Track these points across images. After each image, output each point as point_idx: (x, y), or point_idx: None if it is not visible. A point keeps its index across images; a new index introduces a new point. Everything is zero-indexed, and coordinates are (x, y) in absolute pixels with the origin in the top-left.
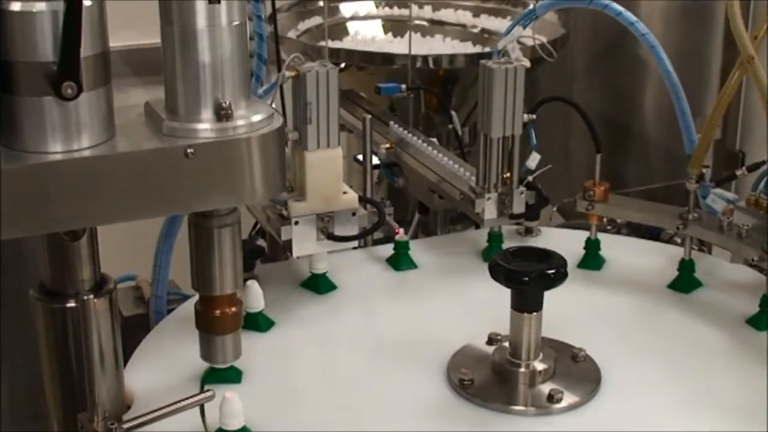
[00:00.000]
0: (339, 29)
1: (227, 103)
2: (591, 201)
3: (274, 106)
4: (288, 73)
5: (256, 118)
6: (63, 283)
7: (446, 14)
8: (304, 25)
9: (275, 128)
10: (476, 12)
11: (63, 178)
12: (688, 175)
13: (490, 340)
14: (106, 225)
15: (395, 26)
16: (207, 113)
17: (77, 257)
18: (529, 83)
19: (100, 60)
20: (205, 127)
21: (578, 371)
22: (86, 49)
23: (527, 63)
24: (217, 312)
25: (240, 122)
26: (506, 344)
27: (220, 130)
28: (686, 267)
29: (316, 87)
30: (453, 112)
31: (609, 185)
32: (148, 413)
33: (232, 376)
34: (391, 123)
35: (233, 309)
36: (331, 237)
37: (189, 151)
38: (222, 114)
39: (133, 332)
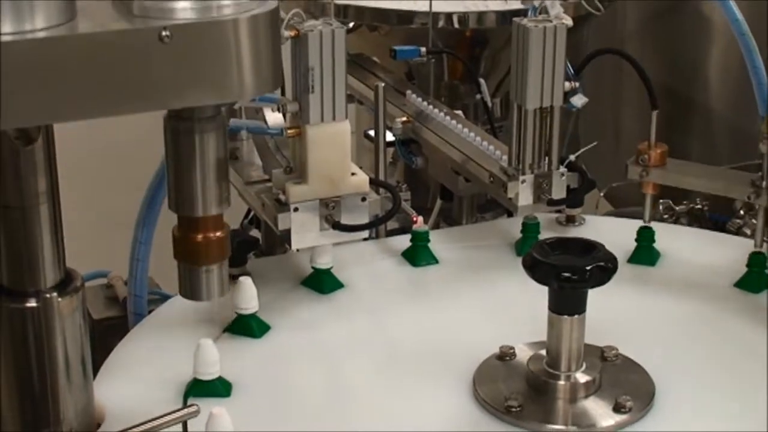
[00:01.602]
0: None
1: None
2: (645, 166)
3: None
4: (287, 33)
5: None
6: (22, 279)
7: None
8: None
9: (268, 9)
10: None
11: (12, 63)
12: (762, 134)
13: (502, 356)
14: (64, 122)
15: None
16: None
17: (38, 246)
18: (572, 47)
19: None
20: (184, 5)
21: (628, 385)
22: None
23: (569, 21)
24: (200, 237)
25: (226, 0)
26: (543, 352)
27: (202, 10)
28: (756, 262)
29: (319, 50)
30: (481, 80)
31: (667, 148)
32: (122, 431)
33: (220, 388)
34: (408, 92)
35: (219, 234)
36: (337, 226)
37: (164, 34)
38: None
39: (104, 338)
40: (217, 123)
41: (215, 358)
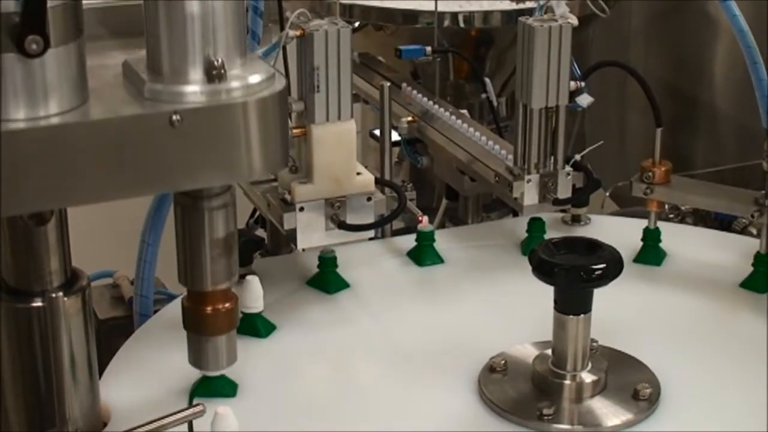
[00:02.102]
0: None
1: (219, 61)
2: (650, 184)
3: None
4: (292, 33)
5: (254, 78)
6: (27, 279)
7: None
8: None
9: (276, 91)
10: None
11: (27, 149)
12: (766, 152)
13: (493, 367)
14: (77, 206)
15: None
16: (196, 73)
17: (44, 246)
18: (578, 46)
19: (71, 10)
20: (194, 89)
21: (633, 384)
22: None
23: (575, 21)
24: (209, 309)
25: (235, 84)
26: (549, 352)
27: (212, 93)
28: (762, 262)
29: (325, 49)
30: (487, 80)
31: (671, 166)
32: (128, 431)
33: (226, 388)
34: (414, 92)
35: (227, 305)
36: (343, 226)
37: (175, 117)
38: (213, 74)
39: (110, 337)
40: (226, 199)
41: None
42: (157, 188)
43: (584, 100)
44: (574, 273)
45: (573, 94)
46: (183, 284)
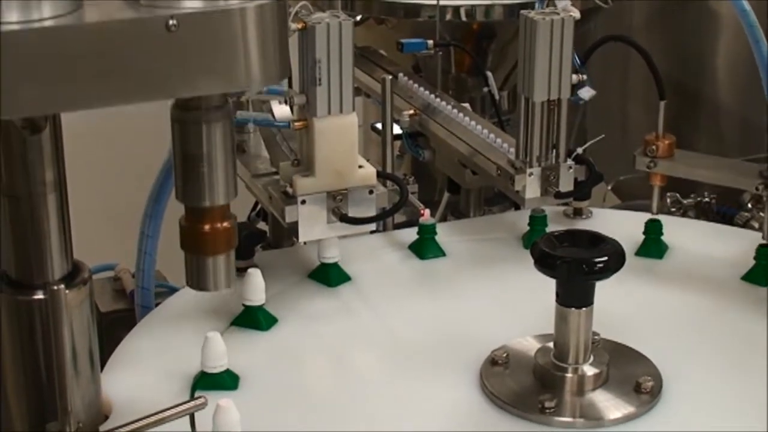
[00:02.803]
0: None
1: None
2: (653, 157)
3: None
4: (294, 26)
5: None
6: (29, 271)
7: None
8: None
9: None
10: None
11: (19, 52)
12: None
13: (495, 360)
14: (71, 111)
15: None
16: None
17: (45, 238)
18: (579, 40)
19: None
20: None
21: (635, 377)
22: None
23: (577, 14)
24: (207, 227)
25: None
26: (550, 345)
27: None
28: (764, 254)
29: (326, 42)
30: (489, 73)
31: (675, 139)
32: (129, 423)
33: (228, 381)
34: (416, 85)
35: (225, 224)
36: (344, 219)
37: (171, 23)
38: None
39: (111, 330)
40: (224, 113)
41: (223, 351)
42: (153, 95)
43: (586, 93)
44: (576, 265)
45: (575, 87)
46: (180, 200)
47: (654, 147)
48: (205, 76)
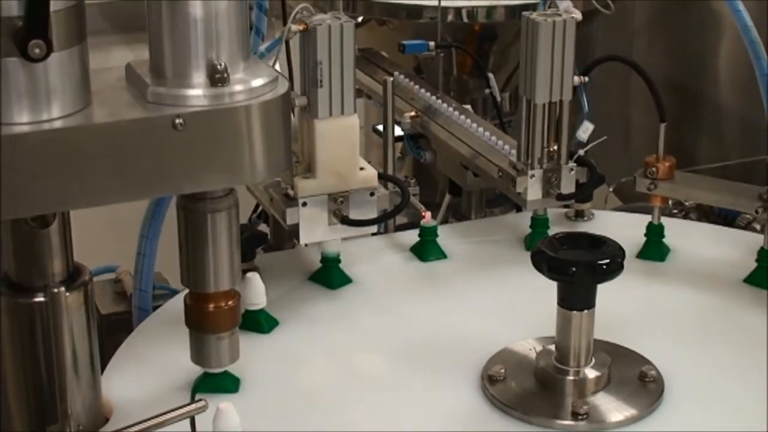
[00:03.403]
0: None
1: (222, 64)
2: (653, 179)
3: (278, 66)
4: (295, 27)
5: (257, 82)
6: (29, 274)
7: None
8: None
9: (279, 94)
10: None
11: (30, 152)
12: None
13: (492, 378)
14: (79, 209)
15: None
16: (199, 77)
17: (46, 247)
18: (581, 41)
19: (74, 14)
20: (197, 93)
21: (637, 380)
22: (57, 1)
23: (578, 15)
24: (211, 307)
25: (238, 87)
26: (552, 347)
27: (215, 97)
28: (766, 257)
29: (328, 43)
30: (490, 75)
31: (675, 161)
32: (130, 426)
33: (228, 384)
34: (417, 87)
35: (230, 303)
36: (346, 221)
37: (178, 121)
38: (216, 78)
39: (112, 332)
40: (229, 202)
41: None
42: (160, 191)
43: (584, 133)
44: (577, 268)
45: (575, 90)
46: (186, 286)
47: (654, 169)
48: (211, 172)
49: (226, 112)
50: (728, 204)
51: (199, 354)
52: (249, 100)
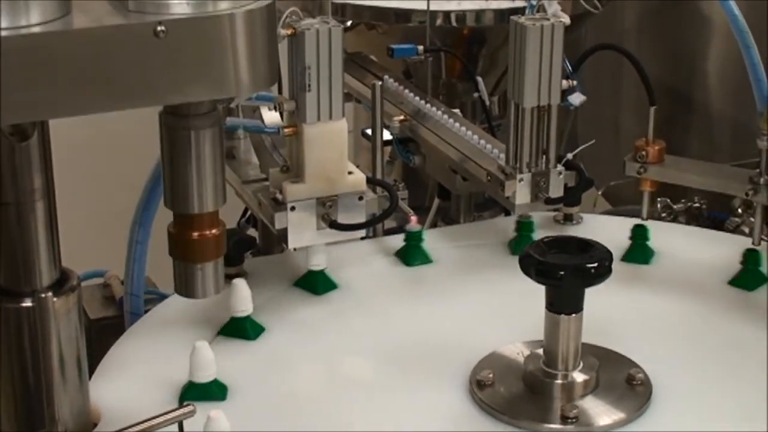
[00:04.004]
0: None
1: None
2: (643, 163)
3: None
4: (283, 32)
5: None
6: (17, 278)
7: None
8: None
9: (264, 4)
10: None
11: (8, 59)
12: (760, 131)
13: (480, 383)
14: (60, 118)
15: None
16: None
17: (34, 246)
18: (570, 45)
19: None
20: (179, 0)
21: (625, 384)
22: None
23: (567, 19)
24: (196, 234)
25: None
26: (540, 351)
27: (197, 5)
28: (751, 260)
29: (316, 48)
30: (479, 79)
31: (665, 145)
32: (118, 431)
33: (216, 392)
34: (406, 91)
35: (214, 231)
36: (334, 225)
37: (160, 29)
38: None
39: (101, 337)
40: (213, 119)
41: (211, 360)
42: (142, 101)
43: (576, 98)
44: (564, 272)
45: (565, 93)
46: (169, 207)
47: (644, 152)
48: (194, 82)
49: (209, 20)
50: (718, 187)
51: (183, 284)
52: (233, 9)
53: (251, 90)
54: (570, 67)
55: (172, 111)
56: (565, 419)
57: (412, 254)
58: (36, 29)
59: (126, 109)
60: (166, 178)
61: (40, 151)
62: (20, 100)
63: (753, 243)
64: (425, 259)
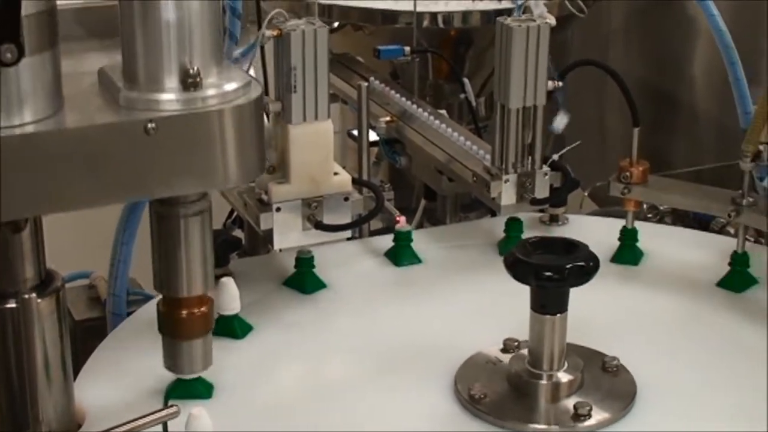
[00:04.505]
0: None
1: (195, 68)
2: (627, 183)
3: (252, 71)
4: (269, 33)
5: (230, 86)
6: (1, 280)
7: None
8: None
9: (252, 99)
10: None
11: (2, 157)
12: (743, 152)
13: (506, 348)
14: (52, 214)
15: None
16: (171, 81)
17: (18, 253)
18: (557, 47)
19: (45, 18)
20: (170, 97)
21: (610, 384)
22: (28, 6)
23: (552, 20)
24: (184, 313)
25: (210, 92)
26: (525, 352)
27: (187, 102)
28: (739, 261)
29: (301, 49)
30: (465, 80)
31: (648, 165)
32: None
33: (201, 389)
34: (392, 92)
35: (203, 309)
36: (320, 226)
37: (150, 126)
38: (189, 82)
39: (87, 339)
40: (202, 206)
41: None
42: (132, 195)
43: (560, 122)
44: (547, 273)
45: (551, 94)
46: (158, 290)
47: (628, 173)
48: (184, 176)
49: (198, 116)
50: (701, 208)
51: (171, 360)
52: (222, 105)
53: (240, 182)
54: (556, 75)
55: (161, 199)
56: (577, 417)
57: (401, 254)
58: (29, 128)
59: (117, 203)
60: (156, 263)
61: None
62: (12, 197)
63: (738, 249)
64: (414, 259)
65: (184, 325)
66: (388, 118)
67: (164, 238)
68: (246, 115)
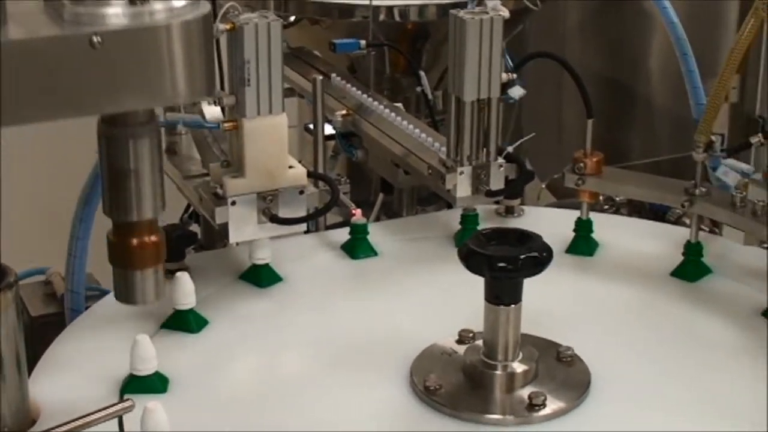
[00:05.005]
0: None
1: None
2: (581, 175)
3: None
4: (222, 26)
5: (178, 2)
6: None
7: None
8: None
9: (201, 15)
10: None
11: None
12: (695, 143)
13: (461, 339)
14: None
15: None
16: None
17: None
18: (514, 41)
19: None
20: (116, 11)
21: (564, 374)
22: None
23: (506, 13)
24: (135, 241)
25: (158, 6)
26: (480, 343)
27: (134, 16)
28: (693, 251)
29: (255, 42)
30: (422, 73)
31: (603, 156)
32: (56, 427)
33: (157, 384)
34: (348, 85)
35: (153, 238)
36: (275, 219)
37: (96, 39)
38: None
39: (42, 334)
40: (151, 127)
41: (152, 353)
42: (79, 111)
43: (516, 92)
44: (500, 263)
45: (505, 86)
46: (107, 215)
47: (582, 164)
48: (131, 92)
49: (145, 30)
50: (655, 199)
51: (123, 291)
52: (169, 20)
53: (188, 99)
54: (510, 65)
55: (109, 120)
56: (532, 407)
57: (357, 247)
58: None
59: (62, 119)
60: (105, 186)
61: None
62: None
63: (691, 240)
64: (371, 252)
65: (136, 255)
66: (344, 112)
67: (113, 160)
68: (194, 31)
